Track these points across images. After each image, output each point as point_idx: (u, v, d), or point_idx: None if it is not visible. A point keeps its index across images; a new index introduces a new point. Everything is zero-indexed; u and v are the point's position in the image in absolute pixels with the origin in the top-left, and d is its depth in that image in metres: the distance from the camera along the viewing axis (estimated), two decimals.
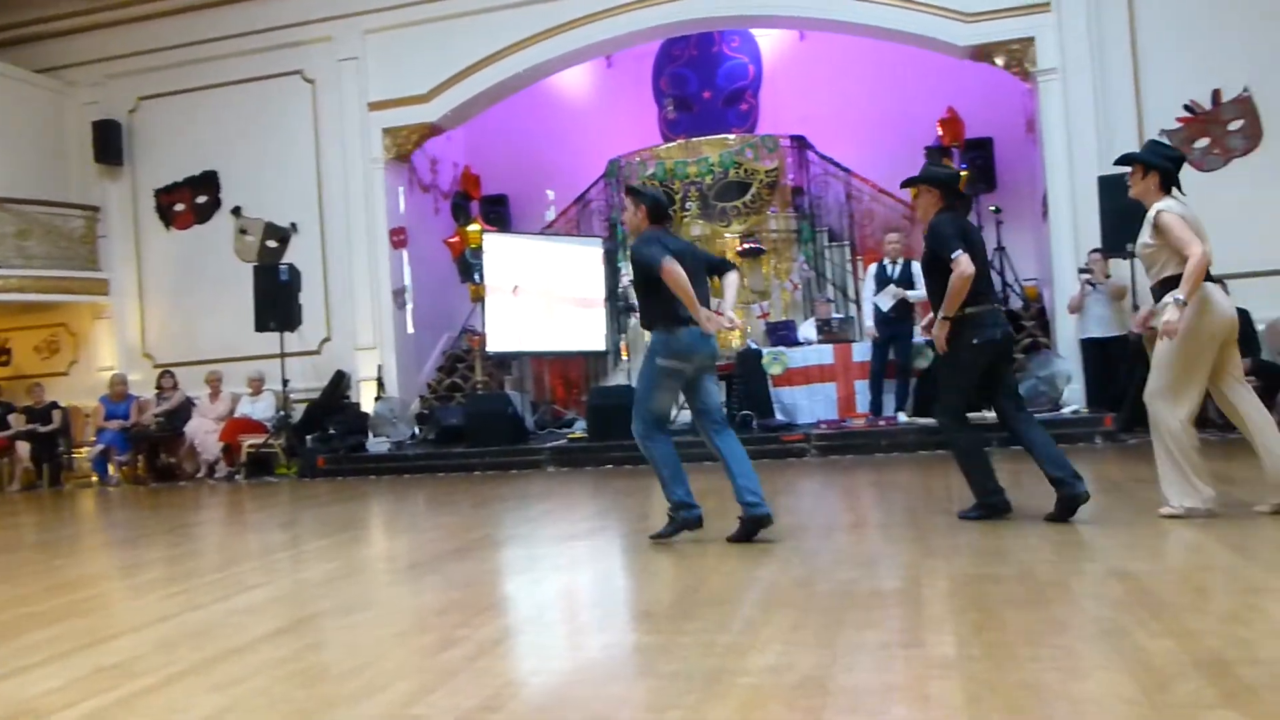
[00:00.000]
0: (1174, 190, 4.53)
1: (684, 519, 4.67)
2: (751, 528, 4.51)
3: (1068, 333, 9.41)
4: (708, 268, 4.84)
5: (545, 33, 11.19)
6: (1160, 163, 4.55)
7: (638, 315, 4.59)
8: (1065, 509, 4.53)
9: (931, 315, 4.89)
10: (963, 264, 4.57)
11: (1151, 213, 4.43)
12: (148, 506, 8.80)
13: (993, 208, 10.96)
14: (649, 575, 4.24)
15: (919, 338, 9.27)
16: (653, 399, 4.69)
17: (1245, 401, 4.46)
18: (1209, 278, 4.36)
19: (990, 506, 4.73)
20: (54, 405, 11.86)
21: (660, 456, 4.68)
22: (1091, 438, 8.23)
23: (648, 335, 4.87)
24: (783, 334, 10.04)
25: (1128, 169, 4.69)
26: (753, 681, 2.60)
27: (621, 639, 3.17)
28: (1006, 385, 4.81)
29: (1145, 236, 4.47)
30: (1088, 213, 9.13)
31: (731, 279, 4.78)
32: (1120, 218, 7.48)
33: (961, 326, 4.67)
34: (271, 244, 12.22)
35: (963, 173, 10.70)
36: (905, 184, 5.16)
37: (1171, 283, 4.31)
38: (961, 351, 4.68)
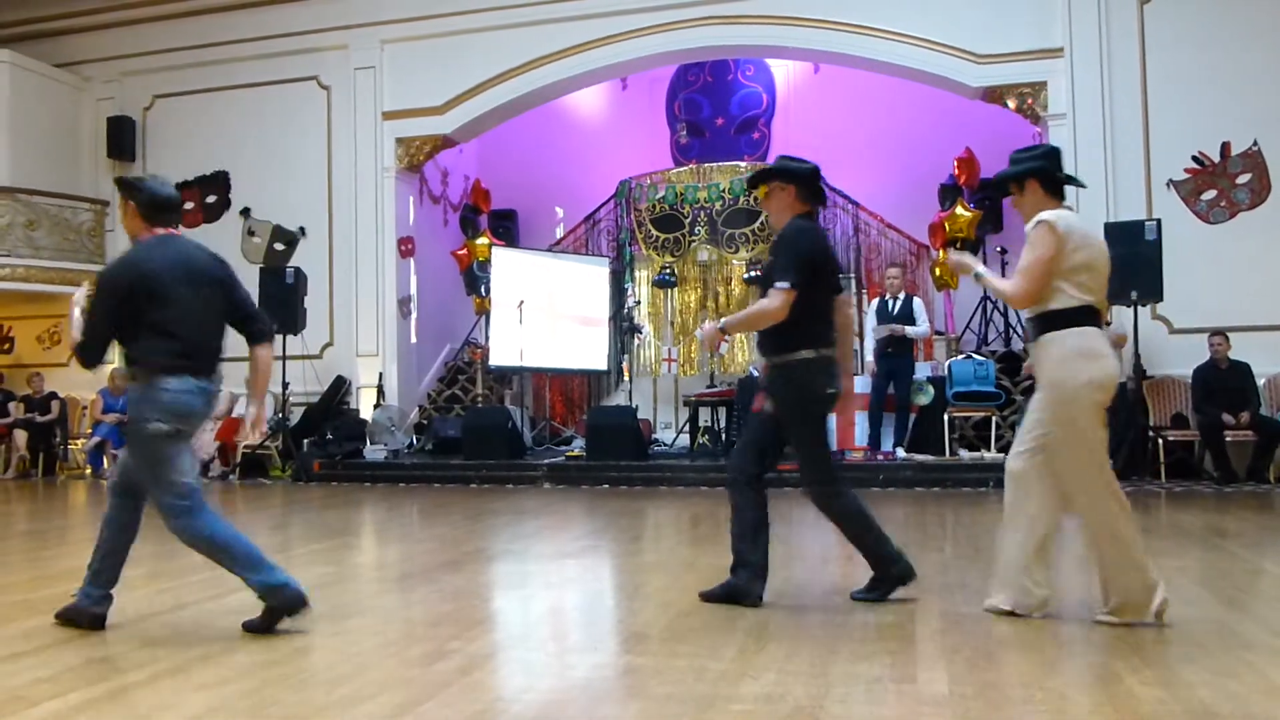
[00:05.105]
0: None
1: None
2: None
3: None
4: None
5: (561, 52, 11.28)
6: (1040, 165, 3.57)
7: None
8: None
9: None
10: (777, 302, 3.68)
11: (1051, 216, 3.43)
12: None
13: (999, 249, 11.03)
14: (642, 597, 4.22)
15: (919, 375, 9.30)
16: None
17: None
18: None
19: (893, 579, 3.92)
20: (53, 395, 11.88)
21: None
22: None
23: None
24: None
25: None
26: (745, 709, 2.59)
27: (613, 660, 3.16)
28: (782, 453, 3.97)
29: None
30: None
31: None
32: (1124, 265, 7.48)
33: (811, 371, 3.81)
34: (279, 246, 12.26)
35: (973, 212, 10.77)
36: (753, 181, 4.21)
37: (1055, 318, 3.44)
38: (811, 405, 3.85)
